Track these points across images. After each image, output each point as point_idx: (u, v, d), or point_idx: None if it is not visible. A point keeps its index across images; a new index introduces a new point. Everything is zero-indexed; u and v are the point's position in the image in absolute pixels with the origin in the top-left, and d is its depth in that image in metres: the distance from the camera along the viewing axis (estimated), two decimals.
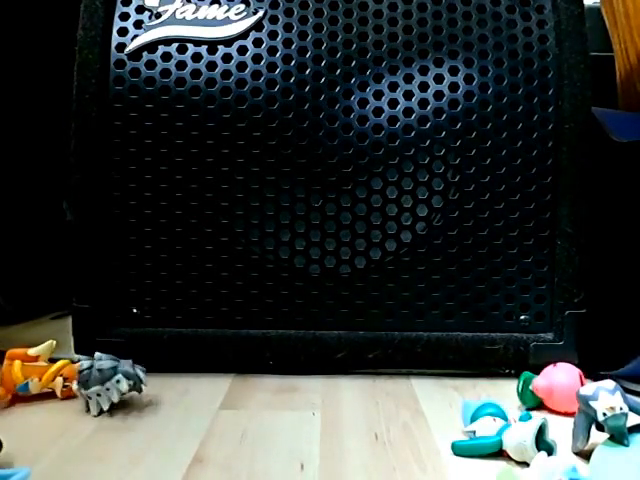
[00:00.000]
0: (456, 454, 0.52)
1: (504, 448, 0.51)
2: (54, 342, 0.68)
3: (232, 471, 0.49)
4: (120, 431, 0.57)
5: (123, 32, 0.72)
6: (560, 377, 0.61)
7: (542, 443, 0.50)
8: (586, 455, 0.50)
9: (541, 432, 0.50)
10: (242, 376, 0.72)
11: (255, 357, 0.72)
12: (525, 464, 0.49)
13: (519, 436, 0.49)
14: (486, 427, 0.53)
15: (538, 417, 0.51)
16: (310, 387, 0.69)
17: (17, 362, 0.63)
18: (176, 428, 0.58)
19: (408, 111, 0.71)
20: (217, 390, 0.67)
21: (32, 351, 0.65)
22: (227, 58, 0.71)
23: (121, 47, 0.72)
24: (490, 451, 0.51)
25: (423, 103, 0.71)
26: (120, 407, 0.62)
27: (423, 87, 0.71)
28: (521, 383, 0.63)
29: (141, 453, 0.52)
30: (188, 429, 0.57)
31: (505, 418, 0.54)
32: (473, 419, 0.54)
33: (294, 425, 0.58)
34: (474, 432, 0.53)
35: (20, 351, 0.65)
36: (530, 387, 0.62)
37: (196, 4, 0.72)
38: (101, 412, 0.59)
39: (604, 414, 0.48)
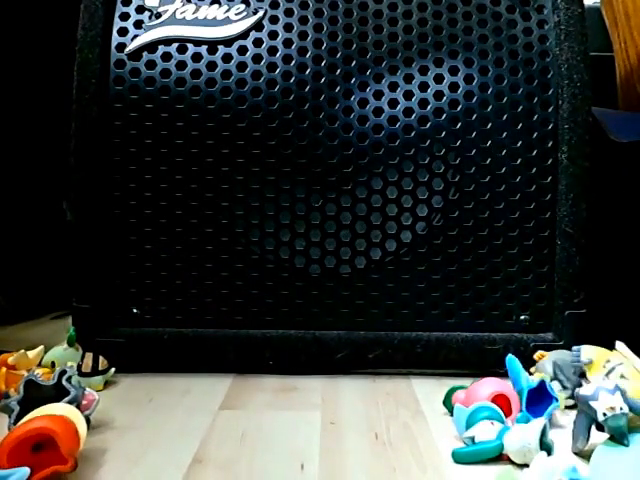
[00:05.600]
0: (457, 462, 0.51)
1: (505, 451, 0.50)
2: (42, 347, 0.69)
3: (232, 471, 0.49)
4: (120, 431, 0.57)
5: (123, 32, 0.72)
6: (475, 387, 0.58)
7: (543, 444, 0.49)
8: (586, 455, 0.50)
9: (542, 433, 0.49)
10: (242, 376, 0.72)
11: (255, 357, 0.72)
12: (526, 466, 0.49)
13: (522, 439, 0.49)
14: (485, 431, 0.52)
15: (539, 419, 0.51)
16: (310, 387, 0.69)
17: (3, 370, 0.63)
18: (176, 428, 0.58)
19: (408, 111, 0.71)
20: (217, 390, 0.67)
21: (11, 360, 0.65)
22: (227, 58, 0.71)
23: (121, 47, 0.72)
24: (491, 456, 0.51)
25: (423, 103, 0.71)
26: (120, 407, 0.62)
27: (423, 87, 0.71)
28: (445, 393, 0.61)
29: (141, 453, 0.52)
30: (188, 429, 0.57)
31: (502, 420, 0.54)
32: (468, 424, 0.54)
33: (294, 425, 0.58)
34: (473, 438, 0.53)
35: (4, 357, 0.65)
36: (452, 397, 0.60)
37: (196, 4, 0.72)
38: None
39: (604, 414, 0.48)
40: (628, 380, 0.56)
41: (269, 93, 0.71)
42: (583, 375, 0.62)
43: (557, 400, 0.57)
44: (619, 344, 0.61)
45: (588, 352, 0.62)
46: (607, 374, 0.58)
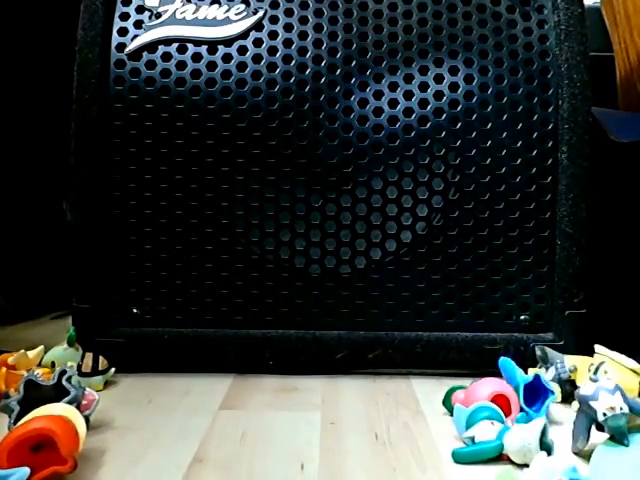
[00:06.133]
0: (457, 462, 0.51)
1: (505, 451, 0.50)
2: (43, 347, 0.69)
3: (232, 471, 0.49)
4: (120, 431, 0.57)
5: (123, 32, 0.72)
6: (475, 387, 0.58)
7: (543, 444, 0.49)
8: (586, 455, 0.50)
9: (542, 433, 0.49)
10: (242, 376, 0.72)
11: (255, 357, 0.72)
12: (526, 466, 0.49)
13: (522, 439, 0.49)
14: (485, 431, 0.52)
15: (539, 419, 0.51)
16: (310, 387, 0.69)
17: (3, 370, 0.63)
18: (176, 428, 0.58)
19: (408, 111, 0.71)
20: (217, 390, 0.67)
21: (11, 360, 0.65)
22: (227, 58, 0.71)
23: (121, 47, 0.72)
24: (491, 456, 0.51)
25: (423, 103, 0.71)
26: (120, 407, 0.62)
27: (423, 87, 0.71)
28: (445, 393, 0.61)
29: (141, 453, 0.52)
30: (188, 429, 0.57)
31: (502, 420, 0.54)
32: (468, 424, 0.54)
33: (294, 425, 0.58)
34: (473, 438, 0.53)
35: (4, 357, 0.66)
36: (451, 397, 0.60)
37: (196, 4, 0.72)
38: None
39: (604, 414, 0.48)
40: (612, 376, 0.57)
41: (269, 93, 0.71)
42: (573, 384, 0.63)
43: (553, 393, 0.58)
44: (597, 347, 0.63)
45: (571, 360, 0.65)
46: (594, 373, 0.60)
